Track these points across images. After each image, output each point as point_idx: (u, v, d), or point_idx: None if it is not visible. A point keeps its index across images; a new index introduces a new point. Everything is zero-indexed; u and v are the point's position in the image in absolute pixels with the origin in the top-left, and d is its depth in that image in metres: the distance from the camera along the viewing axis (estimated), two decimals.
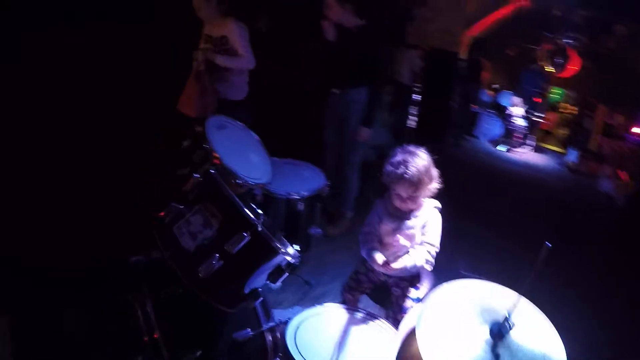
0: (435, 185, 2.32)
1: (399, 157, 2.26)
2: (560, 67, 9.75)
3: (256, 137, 2.86)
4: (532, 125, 9.81)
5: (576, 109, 10.61)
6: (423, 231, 2.33)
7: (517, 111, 9.63)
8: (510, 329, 1.36)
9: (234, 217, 1.81)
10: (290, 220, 3.23)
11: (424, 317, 1.41)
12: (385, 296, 2.52)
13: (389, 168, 2.27)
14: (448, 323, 1.41)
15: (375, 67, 3.96)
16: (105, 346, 2.34)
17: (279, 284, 2.10)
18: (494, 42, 9.46)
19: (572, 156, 9.25)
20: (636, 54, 8.14)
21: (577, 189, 8.04)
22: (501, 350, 1.35)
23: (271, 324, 2.13)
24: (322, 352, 1.84)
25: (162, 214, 1.95)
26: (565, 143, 10.20)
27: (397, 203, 2.32)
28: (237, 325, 2.06)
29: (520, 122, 9.57)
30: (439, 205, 2.40)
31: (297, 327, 1.96)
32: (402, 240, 2.28)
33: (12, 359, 2.28)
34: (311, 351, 1.82)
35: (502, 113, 9.71)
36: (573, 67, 9.81)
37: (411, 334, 1.50)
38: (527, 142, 9.88)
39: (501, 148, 9.38)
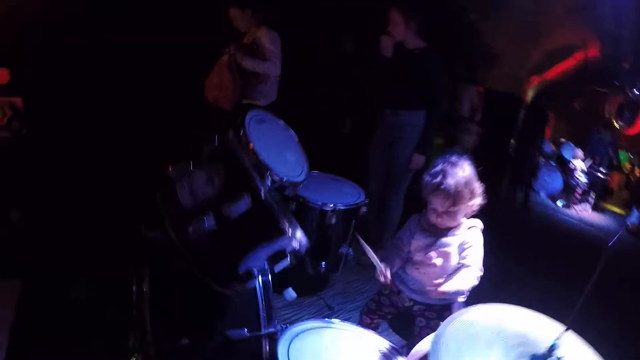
0: (477, 201, 2.09)
1: (438, 167, 2.06)
2: (628, 122, 9.17)
3: (294, 135, 2.70)
4: (594, 182, 9.24)
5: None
6: (462, 252, 2.08)
7: (580, 165, 9.11)
8: None
9: (238, 179, 1.65)
10: (321, 235, 3.06)
11: (441, 346, 1.16)
12: (407, 325, 2.26)
13: (427, 178, 2.08)
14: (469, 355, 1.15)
15: (434, 92, 3.73)
16: (102, 319, 2.29)
17: (292, 295, 1.92)
18: (559, 94, 9.09)
19: (634, 217, 8.58)
20: None
21: (635, 252, 7.35)
22: None
23: (271, 329, 1.91)
24: None
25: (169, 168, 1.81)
26: (627, 205, 9.56)
27: (433, 218, 2.09)
28: (234, 322, 1.87)
29: (582, 178, 9.05)
30: (481, 225, 2.15)
31: (295, 337, 1.72)
32: (435, 258, 2.04)
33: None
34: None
35: (563, 166, 9.20)
36: None
37: None
38: (588, 199, 9.30)
39: (559, 203, 8.87)
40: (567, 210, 8.83)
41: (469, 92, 6.41)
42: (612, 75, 8.36)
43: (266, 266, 1.77)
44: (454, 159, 2.09)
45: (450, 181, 2.00)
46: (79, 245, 2.94)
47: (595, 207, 9.37)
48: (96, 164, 3.86)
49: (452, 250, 2.08)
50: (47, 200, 3.43)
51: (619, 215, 9.42)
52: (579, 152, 9.25)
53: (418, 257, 2.14)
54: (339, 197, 3.07)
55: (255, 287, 1.97)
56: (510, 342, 1.18)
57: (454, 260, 2.07)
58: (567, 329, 1.14)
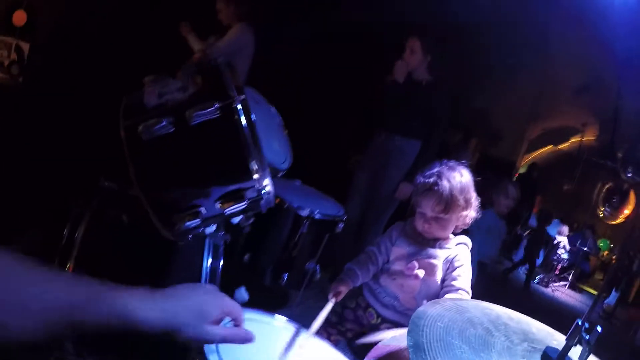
0: (471, 214, 1.83)
1: (434, 169, 1.82)
2: (615, 208, 9.13)
3: (282, 124, 2.45)
4: (574, 263, 9.13)
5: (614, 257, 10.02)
6: (450, 270, 1.79)
7: (564, 242, 9.03)
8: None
9: (213, 86, 1.34)
10: (289, 243, 2.77)
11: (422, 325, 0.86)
12: (369, 349, 1.91)
13: (420, 179, 1.83)
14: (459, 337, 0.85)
15: (435, 125, 3.64)
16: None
17: (244, 296, 1.93)
18: (550, 175, 9.13)
19: (611, 299, 8.38)
20: None
21: (608, 335, 7.06)
22: None
23: None
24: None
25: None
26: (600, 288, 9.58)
27: (420, 224, 1.81)
28: None
29: (564, 255, 8.95)
30: (470, 244, 1.88)
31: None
32: (417, 269, 1.73)
33: None
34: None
35: (547, 242, 9.10)
36: (627, 210, 9.19)
37: None
38: (566, 276, 9.23)
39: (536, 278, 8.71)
40: (541, 288, 8.65)
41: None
42: (606, 159, 8.38)
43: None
44: (452, 163, 1.86)
45: (445, 184, 1.75)
46: (35, 194, 2.61)
47: (572, 287, 9.30)
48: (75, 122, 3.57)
49: (438, 263, 1.80)
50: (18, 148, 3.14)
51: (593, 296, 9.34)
52: (565, 229, 9.21)
53: (397, 266, 1.84)
54: (317, 206, 2.78)
55: (203, 261, 1.67)
56: (513, 334, 0.89)
57: (438, 276, 1.79)
58: None
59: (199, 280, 1.73)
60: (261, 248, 2.83)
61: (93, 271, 1.42)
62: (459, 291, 1.73)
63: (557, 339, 0.97)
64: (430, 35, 3.62)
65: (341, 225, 2.85)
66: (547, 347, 0.86)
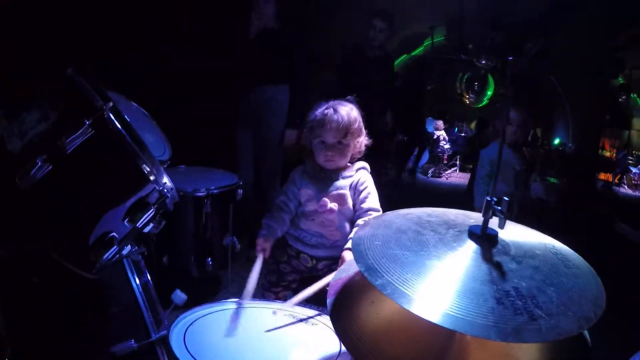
0: (364, 141, 1.98)
1: (326, 104, 1.95)
2: (478, 94, 9.93)
3: (149, 116, 2.36)
4: (457, 149, 9.88)
5: None
6: (358, 195, 1.92)
7: (442, 134, 9.72)
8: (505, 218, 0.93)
9: (75, 102, 1.22)
10: (199, 227, 2.75)
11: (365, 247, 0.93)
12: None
13: (314, 115, 1.93)
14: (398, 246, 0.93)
15: (295, 65, 3.71)
16: None
17: (182, 297, 1.63)
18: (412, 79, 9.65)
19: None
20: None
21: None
22: (498, 257, 0.92)
23: (163, 332, 1.54)
24: (230, 351, 1.31)
25: None
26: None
27: (322, 156, 1.92)
28: (117, 335, 1.48)
29: (446, 145, 9.64)
30: (368, 167, 2.02)
31: (189, 325, 1.43)
32: (330, 203, 1.85)
33: None
34: (213, 353, 1.29)
35: (428, 139, 9.71)
36: (489, 91, 10.05)
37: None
38: (454, 162, 9.96)
39: (429, 173, 9.35)
40: (438, 179, 9.32)
41: None
42: (459, 54, 8.98)
43: (130, 246, 1.41)
44: (338, 100, 1.98)
45: (342, 113, 1.90)
46: None
47: (462, 169, 10.04)
48: None
49: (346, 192, 1.91)
50: None
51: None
52: (440, 123, 9.87)
53: (311, 207, 1.92)
54: (210, 182, 2.76)
55: (132, 286, 1.62)
56: (438, 226, 0.99)
57: (349, 203, 1.91)
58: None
59: (136, 302, 1.67)
60: (175, 244, 2.78)
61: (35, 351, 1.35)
62: (369, 212, 1.89)
63: (473, 217, 1.09)
64: None
65: (240, 191, 2.87)
66: (470, 226, 0.97)
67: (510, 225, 1.04)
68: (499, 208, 0.91)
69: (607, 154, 9.47)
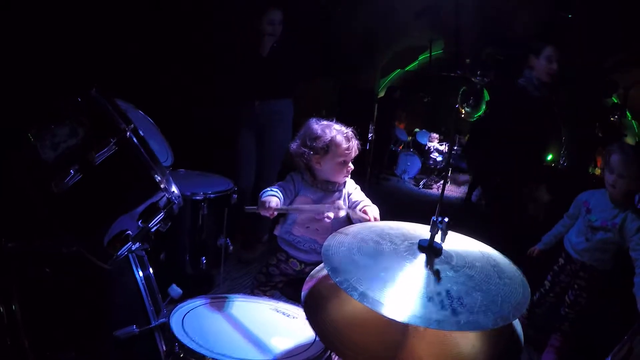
0: None
1: (337, 126, 2.12)
2: (473, 107, 10.13)
3: (154, 124, 2.57)
4: (450, 161, 10.04)
5: None
6: (349, 197, 2.17)
7: (435, 146, 9.88)
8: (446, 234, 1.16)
9: (104, 125, 1.47)
10: (195, 228, 2.94)
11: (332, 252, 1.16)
12: (300, 290, 2.22)
13: (325, 136, 2.07)
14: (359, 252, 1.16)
15: (298, 79, 3.87)
16: None
17: (178, 291, 1.84)
18: (409, 92, 9.83)
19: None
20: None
21: None
22: (439, 265, 1.15)
23: (162, 320, 1.77)
24: (221, 336, 1.55)
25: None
26: None
27: (343, 175, 2.11)
28: (120, 320, 1.69)
29: (438, 158, 9.81)
30: None
31: (186, 313, 1.68)
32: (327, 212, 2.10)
33: None
34: (207, 337, 1.52)
35: (421, 151, 9.91)
36: (483, 105, 10.26)
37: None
38: (445, 174, 10.04)
39: (421, 184, 9.52)
40: (428, 191, 9.48)
41: None
42: (456, 69, 9.18)
43: (139, 244, 1.63)
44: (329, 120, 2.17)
45: (351, 133, 2.11)
46: None
47: (454, 182, 10.20)
48: None
49: (341, 202, 2.12)
50: None
51: None
52: (434, 136, 10.05)
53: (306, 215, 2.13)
54: (208, 187, 2.97)
55: (136, 278, 1.84)
56: (395, 238, 1.22)
57: (343, 213, 2.08)
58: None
59: (139, 293, 1.88)
60: (172, 243, 2.96)
61: (48, 333, 1.56)
62: (363, 202, 2.11)
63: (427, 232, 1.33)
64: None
65: (235, 196, 3.06)
66: (420, 240, 1.20)
67: (471, 242, 1.29)
68: (441, 226, 1.14)
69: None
